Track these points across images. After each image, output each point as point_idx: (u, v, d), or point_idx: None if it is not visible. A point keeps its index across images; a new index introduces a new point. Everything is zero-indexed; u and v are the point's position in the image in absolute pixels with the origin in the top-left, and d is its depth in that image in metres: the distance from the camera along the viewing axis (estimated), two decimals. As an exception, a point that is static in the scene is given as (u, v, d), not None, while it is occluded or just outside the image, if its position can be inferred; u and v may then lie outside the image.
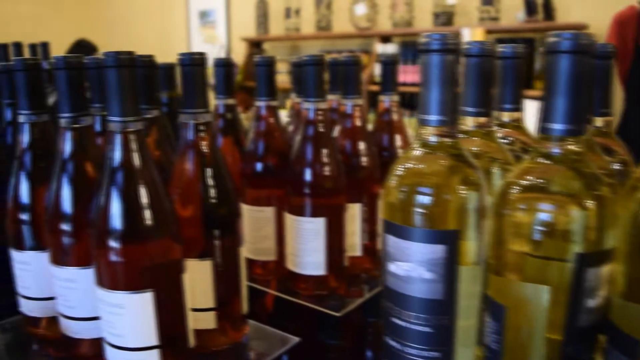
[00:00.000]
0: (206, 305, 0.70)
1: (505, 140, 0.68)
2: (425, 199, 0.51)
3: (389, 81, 1.02)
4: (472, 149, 0.61)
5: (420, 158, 0.53)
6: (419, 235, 0.50)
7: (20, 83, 0.71)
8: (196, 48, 5.21)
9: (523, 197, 0.48)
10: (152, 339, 0.61)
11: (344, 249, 0.91)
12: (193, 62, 0.66)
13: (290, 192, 0.87)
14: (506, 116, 0.70)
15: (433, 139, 0.52)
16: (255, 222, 0.92)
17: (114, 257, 0.58)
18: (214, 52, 4.69)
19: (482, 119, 0.62)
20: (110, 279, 0.59)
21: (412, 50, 3.55)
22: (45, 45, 1.84)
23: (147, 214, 0.58)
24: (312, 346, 0.82)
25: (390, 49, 3.68)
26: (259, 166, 0.92)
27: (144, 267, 0.59)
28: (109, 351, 0.62)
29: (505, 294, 0.50)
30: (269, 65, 0.90)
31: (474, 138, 0.62)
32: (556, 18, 3.24)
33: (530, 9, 3.22)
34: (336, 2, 4.12)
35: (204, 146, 0.69)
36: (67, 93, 0.65)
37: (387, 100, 1.03)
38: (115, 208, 0.58)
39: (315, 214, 0.86)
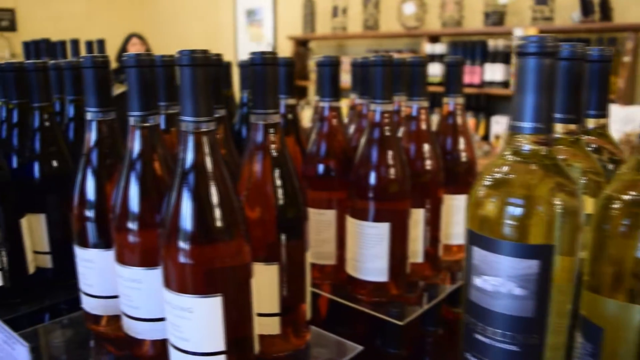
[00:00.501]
0: (271, 310, 0.69)
1: (589, 149, 0.64)
2: (517, 211, 0.48)
3: (454, 83, 0.99)
4: (559, 157, 0.57)
5: (512, 167, 0.50)
6: (511, 249, 0.47)
7: (89, 80, 0.71)
8: (242, 47, 5.24)
9: (628, 213, 0.45)
10: (220, 344, 0.59)
11: (406, 256, 0.88)
12: (265, 61, 0.65)
13: (353, 195, 0.85)
14: (591, 123, 0.66)
15: (526, 147, 0.49)
16: (315, 225, 0.90)
17: (183, 259, 0.57)
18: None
19: (572, 126, 0.58)
20: (179, 282, 0.58)
21: (461, 50, 3.49)
22: (101, 42, 1.86)
23: (219, 216, 0.57)
24: (374, 355, 0.79)
25: (439, 49, 3.62)
26: (321, 168, 0.90)
27: (215, 270, 0.58)
28: (174, 354, 0.61)
29: (602, 314, 0.46)
30: (334, 65, 0.88)
31: (560, 146, 0.58)
32: (613, 18, 3.13)
33: (587, 8, 3.11)
34: (384, 1, 4.08)
35: (274, 148, 0.67)
36: (138, 91, 0.64)
37: (451, 103, 1.00)
38: (187, 209, 0.56)
39: (379, 218, 0.83)
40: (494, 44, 3.36)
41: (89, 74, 0.70)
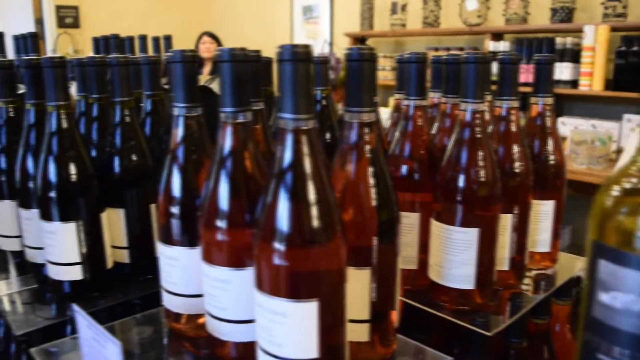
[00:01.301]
0: (361, 316, 0.66)
1: None
2: (657, 223, 0.43)
3: (543, 82, 0.94)
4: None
5: (649, 174, 0.45)
6: (649, 265, 0.43)
7: (177, 75, 0.69)
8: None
9: None
10: (313, 351, 0.57)
11: (494, 263, 0.84)
12: (362, 57, 0.62)
13: (440, 198, 0.81)
14: None
15: (666, 152, 0.45)
16: (397, 227, 0.87)
17: (280, 262, 0.55)
18: (316, 48, 4.70)
19: None
20: (274, 285, 0.56)
21: (526, 48, 3.37)
22: (168, 38, 1.88)
23: (319, 218, 0.54)
24: (461, 367, 0.76)
25: (502, 47, 3.51)
26: (404, 169, 0.86)
27: (312, 274, 0.55)
28: (264, 358, 0.59)
29: None
30: (421, 62, 0.84)
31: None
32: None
33: (663, 5, 2.96)
34: (445, -2, 4.00)
35: (369, 148, 0.64)
36: (231, 87, 0.62)
37: (540, 103, 0.95)
38: (284, 209, 0.54)
39: (468, 223, 0.79)
40: (562, 41, 3.23)
41: (177, 69, 0.69)
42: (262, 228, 0.55)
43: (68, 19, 5.30)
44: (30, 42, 1.60)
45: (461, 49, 3.72)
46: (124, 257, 0.93)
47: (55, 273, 0.87)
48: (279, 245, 0.54)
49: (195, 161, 0.71)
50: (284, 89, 0.54)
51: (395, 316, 0.70)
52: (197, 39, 4.33)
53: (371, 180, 0.64)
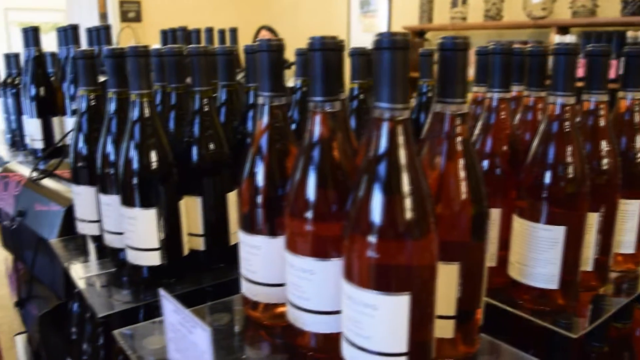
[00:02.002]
0: (447, 312, 0.64)
1: None
2: None
3: (633, 76, 0.89)
4: None
5: None
6: None
7: (263, 64, 0.69)
8: (356, 37, 5.21)
9: None
10: (402, 345, 0.56)
11: (579, 263, 0.80)
12: (456, 46, 0.60)
13: (524, 194, 0.79)
14: None
15: None
16: (476, 223, 0.85)
17: (373, 254, 0.54)
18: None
19: None
20: (365, 277, 0.55)
21: (594, 42, 3.24)
22: (233, 31, 1.89)
23: (414, 210, 0.53)
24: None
25: (569, 40, 3.40)
26: (485, 163, 0.84)
27: (405, 267, 0.54)
28: (350, 351, 0.58)
29: None
30: (505, 53, 0.82)
31: None
32: None
33: None
34: (508, -9, 3.90)
35: (461, 140, 0.62)
36: (321, 75, 0.61)
37: (629, 98, 0.90)
38: (379, 201, 0.53)
39: (554, 221, 0.76)
40: (633, 35, 3.10)
41: (264, 58, 0.69)
42: (355, 220, 0.55)
43: (131, 13, 5.44)
44: (104, 34, 1.64)
45: (525, 43, 3.62)
46: (200, 244, 0.94)
47: (134, 258, 0.88)
48: (373, 238, 0.53)
49: (279, 150, 0.71)
50: (381, 78, 0.53)
51: (480, 314, 0.68)
52: (256, 32, 4.37)
53: (463, 173, 0.62)
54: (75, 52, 0.98)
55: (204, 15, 5.19)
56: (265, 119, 0.71)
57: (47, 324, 1.25)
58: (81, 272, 0.98)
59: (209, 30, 1.88)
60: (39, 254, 1.31)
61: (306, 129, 0.63)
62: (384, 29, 5.00)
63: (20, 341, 1.51)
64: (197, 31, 1.85)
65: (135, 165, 0.84)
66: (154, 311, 0.89)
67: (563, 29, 3.52)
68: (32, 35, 1.72)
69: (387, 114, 0.53)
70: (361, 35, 5.12)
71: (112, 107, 0.92)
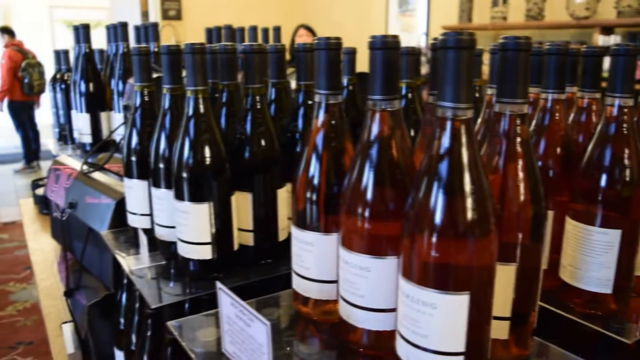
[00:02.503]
0: (502, 314, 0.64)
1: None
2: None
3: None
4: None
5: None
6: None
7: (321, 63, 0.70)
8: (393, 35, 5.19)
9: None
10: (460, 345, 0.56)
11: (634, 268, 0.79)
12: (518, 46, 0.60)
13: (579, 197, 0.78)
14: None
15: None
16: (527, 225, 0.84)
17: (432, 254, 0.54)
18: (411, 41, 4.64)
19: None
20: (424, 276, 0.55)
21: (640, 43, 3.17)
22: (277, 30, 1.91)
23: (475, 210, 0.53)
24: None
25: (613, 40, 3.33)
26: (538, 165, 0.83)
27: (465, 267, 0.54)
28: (405, 348, 0.59)
29: None
30: (562, 53, 0.81)
31: None
32: None
33: None
34: (550, -10, 3.83)
35: (521, 140, 0.62)
36: (381, 74, 0.62)
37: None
38: (441, 200, 0.53)
39: (609, 224, 0.75)
40: (681, 37, 3.02)
41: (321, 56, 0.70)
42: (417, 218, 0.55)
43: (171, 11, 5.53)
44: (152, 31, 1.68)
45: (567, 43, 3.56)
46: (249, 240, 0.95)
47: (186, 251, 0.90)
48: (435, 237, 0.53)
49: (335, 148, 0.72)
50: (445, 77, 0.53)
51: (534, 317, 0.68)
52: (294, 31, 4.39)
53: (523, 174, 0.62)
54: (132, 49, 1.00)
55: (242, 14, 5.24)
56: (321, 117, 0.71)
57: (95, 314, 1.29)
58: (132, 264, 1.00)
59: (253, 29, 1.90)
60: (88, 245, 1.34)
61: (364, 127, 0.64)
62: (422, 28, 4.97)
63: (67, 329, 1.55)
64: (242, 29, 1.87)
65: (189, 160, 0.86)
66: (203, 304, 0.91)
67: (607, 29, 3.44)
68: (82, 32, 1.77)
69: (451, 113, 0.53)
70: (400, 35, 5.09)
71: (166, 103, 0.94)
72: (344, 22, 5.57)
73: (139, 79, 1.02)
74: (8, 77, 5.84)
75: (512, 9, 4.06)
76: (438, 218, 0.53)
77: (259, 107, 0.92)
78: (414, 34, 4.95)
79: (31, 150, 6.29)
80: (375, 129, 0.63)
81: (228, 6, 5.57)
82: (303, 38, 4.21)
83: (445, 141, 0.54)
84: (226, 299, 0.66)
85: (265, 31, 1.91)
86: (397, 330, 0.61)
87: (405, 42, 0.81)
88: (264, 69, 0.95)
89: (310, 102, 0.95)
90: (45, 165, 6.37)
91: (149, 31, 1.68)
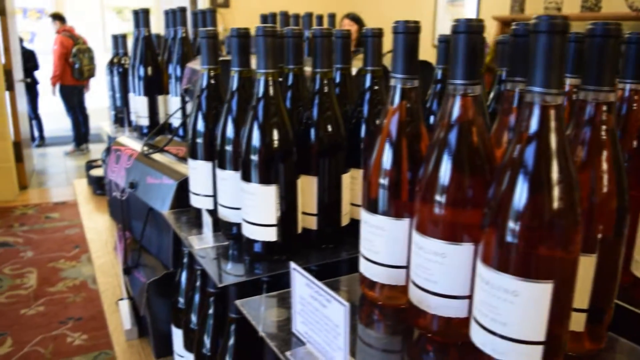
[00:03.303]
0: (580, 305, 0.63)
1: None
2: None
3: None
4: None
5: None
6: None
7: (399, 47, 0.70)
8: (442, 27, 5.12)
9: None
10: (540, 334, 0.55)
11: None
12: (607, 32, 0.58)
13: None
14: None
15: None
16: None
17: (517, 241, 0.53)
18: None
19: None
20: (507, 263, 0.55)
21: None
22: (332, 16, 1.91)
23: (563, 198, 0.52)
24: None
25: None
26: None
27: (548, 256, 0.54)
28: (482, 336, 0.58)
29: None
30: (643, 42, 0.78)
31: None
32: None
33: None
34: (608, -19, 3.71)
35: (606, 129, 0.60)
36: (464, 59, 0.61)
37: None
38: (527, 188, 0.53)
39: (690, 219, 0.73)
40: None
41: (399, 40, 0.70)
42: (502, 205, 0.54)
43: (220, -3, 5.57)
44: (209, 16, 1.69)
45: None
46: (313, 223, 0.96)
47: (251, 232, 0.91)
48: (521, 225, 0.53)
49: (410, 133, 0.71)
50: (536, 61, 0.52)
51: (611, 312, 0.66)
52: (340, 21, 4.38)
53: (609, 165, 0.60)
54: (200, 32, 1.02)
55: (289, 1, 5.25)
56: (397, 101, 0.71)
57: (154, 292, 1.32)
58: (196, 244, 1.02)
59: (309, 15, 1.90)
60: (148, 225, 1.37)
61: (444, 112, 0.63)
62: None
63: (124, 306, 1.60)
64: (297, 16, 1.87)
65: (258, 142, 0.87)
66: (267, 285, 0.92)
67: (668, 22, 3.32)
68: (142, 16, 1.80)
69: (541, 99, 0.52)
70: (448, 25, 5.02)
71: (234, 84, 0.95)
72: (392, 13, 5.51)
73: (206, 61, 1.04)
74: (60, 63, 5.99)
75: (567, -1, 3.95)
76: (524, 206, 0.53)
77: (326, 91, 0.92)
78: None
79: (80, 134, 6.45)
80: (455, 114, 0.62)
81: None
82: (346, 28, 4.20)
83: (534, 127, 0.53)
84: (301, 279, 0.67)
85: (320, 18, 1.91)
86: (473, 317, 0.60)
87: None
88: (331, 53, 0.95)
89: (376, 87, 0.95)
90: (94, 148, 6.53)
91: (206, 16, 1.70)
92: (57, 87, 6.13)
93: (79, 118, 6.41)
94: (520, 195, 0.53)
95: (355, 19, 4.35)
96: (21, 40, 5.74)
